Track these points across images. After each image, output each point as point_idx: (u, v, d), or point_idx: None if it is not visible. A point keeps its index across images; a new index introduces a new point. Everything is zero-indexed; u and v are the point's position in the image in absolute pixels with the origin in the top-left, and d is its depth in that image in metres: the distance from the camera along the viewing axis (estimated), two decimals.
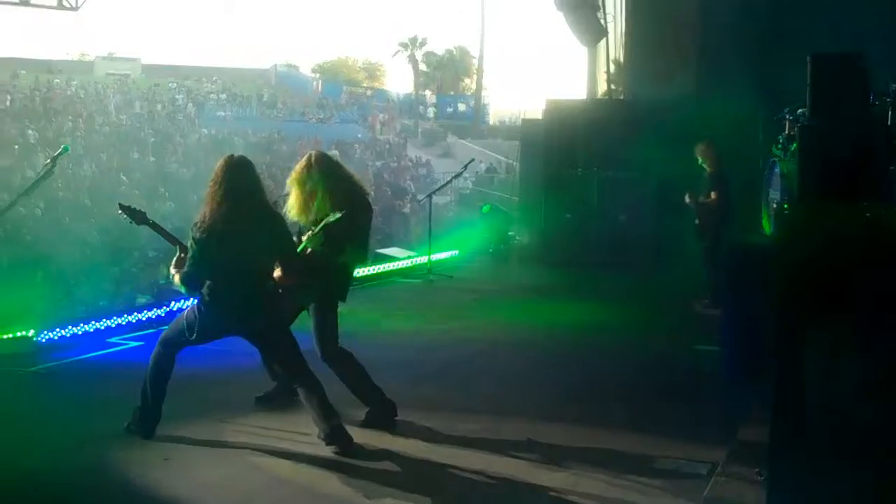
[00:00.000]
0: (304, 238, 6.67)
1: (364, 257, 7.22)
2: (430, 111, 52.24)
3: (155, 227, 6.40)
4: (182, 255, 6.03)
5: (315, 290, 6.65)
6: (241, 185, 6.00)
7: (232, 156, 6.28)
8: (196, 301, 6.08)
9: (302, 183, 6.69)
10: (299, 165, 6.82)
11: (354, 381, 6.76)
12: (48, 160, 7.88)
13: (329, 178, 6.69)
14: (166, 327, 6.50)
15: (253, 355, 6.97)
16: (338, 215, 6.37)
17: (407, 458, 5.98)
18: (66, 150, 8.45)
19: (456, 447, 6.19)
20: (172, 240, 6.28)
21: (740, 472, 5.24)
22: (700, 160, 11.43)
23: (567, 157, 15.75)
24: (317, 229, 6.52)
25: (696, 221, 11.45)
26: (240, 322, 6.11)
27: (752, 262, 7.09)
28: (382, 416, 6.70)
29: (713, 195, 11.14)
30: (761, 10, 14.47)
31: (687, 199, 11.38)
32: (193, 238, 5.86)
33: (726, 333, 7.84)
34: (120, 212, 6.39)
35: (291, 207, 6.70)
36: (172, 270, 6.11)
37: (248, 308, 6.04)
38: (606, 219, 15.22)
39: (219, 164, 6.14)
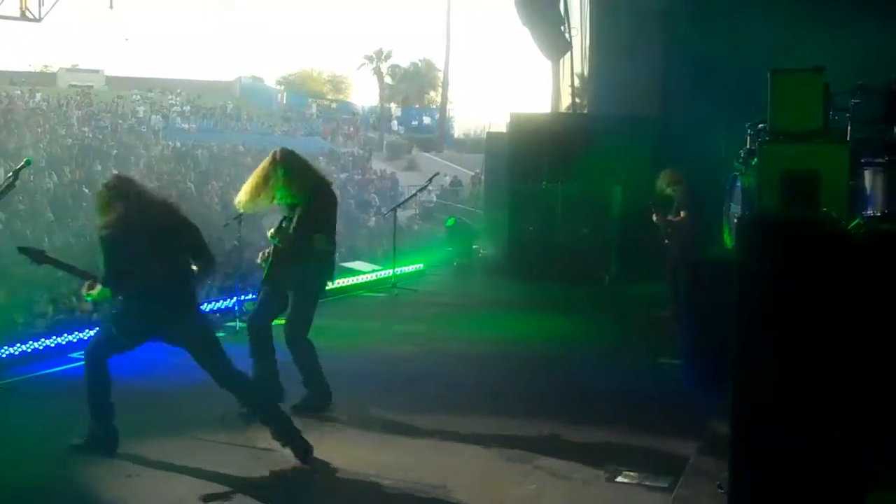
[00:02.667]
0: (269, 233, 7.18)
1: (332, 242, 7.44)
2: (395, 124, 52.30)
3: (56, 263, 6.45)
4: (90, 282, 6.18)
5: (298, 278, 7.11)
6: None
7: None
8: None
9: (264, 174, 7.17)
10: (265, 160, 7.34)
11: (308, 368, 7.24)
12: (10, 173, 7.83)
13: (290, 169, 7.15)
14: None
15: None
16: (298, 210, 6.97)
17: (379, 472, 5.96)
18: (28, 162, 8.41)
19: (421, 458, 6.22)
20: (77, 272, 6.40)
21: (701, 488, 5.28)
22: (663, 188, 11.40)
23: (531, 170, 15.83)
24: (279, 224, 7.05)
25: (665, 241, 11.41)
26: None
27: (713, 275, 7.17)
28: (317, 399, 7.23)
29: (682, 214, 11.17)
30: (722, 26, 14.62)
31: (654, 219, 11.37)
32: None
33: (687, 347, 7.92)
34: (20, 254, 6.43)
35: (242, 192, 7.19)
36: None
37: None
38: (570, 232, 15.27)
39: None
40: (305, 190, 7.21)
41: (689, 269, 8.67)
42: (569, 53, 22.38)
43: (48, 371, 8.72)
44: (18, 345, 8.94)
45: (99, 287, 6.11)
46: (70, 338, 9.58)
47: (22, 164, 8.06)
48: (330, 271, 7.50)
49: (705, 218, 11.02)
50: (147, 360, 8.91)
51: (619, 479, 5.81)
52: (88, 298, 6.39)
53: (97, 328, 6.58)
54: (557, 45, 22.04)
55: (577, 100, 21.51)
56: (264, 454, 6.22)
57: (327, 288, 7.59)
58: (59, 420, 6.89)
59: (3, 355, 8.68)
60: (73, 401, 7.44)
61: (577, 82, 22.58)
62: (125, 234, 5.96)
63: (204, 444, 6.46)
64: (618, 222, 15.05)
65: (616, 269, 14.97)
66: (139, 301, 6.05)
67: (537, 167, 15.79)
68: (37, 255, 6.39)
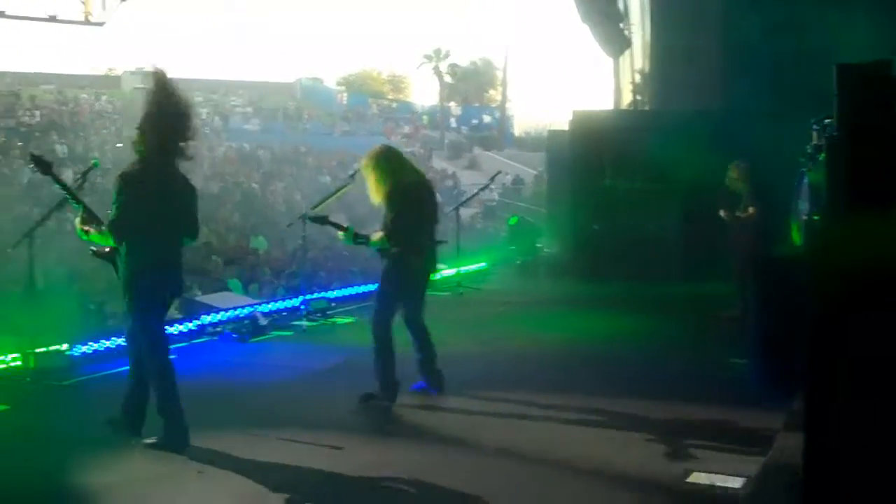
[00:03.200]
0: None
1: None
2: (453, 122, 52.21)
3: (60, 183, 6.55)
4: (84, 215, 6.30)
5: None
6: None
7: None
8: None
9: (366, 173, 7.69)
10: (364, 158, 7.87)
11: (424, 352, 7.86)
12: (78, 175, 8.01)
13: (381, 171, 7.56)
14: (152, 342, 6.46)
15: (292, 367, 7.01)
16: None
17: (449, 473, 5.99)
18: (96, 164, 8.62)
19: (497, 458, 6.23)
20: (76, 198, 6.48)
21: (776, 488, 5.20)
22: (734, 181, 11.28)
23: (594, 167, 15.74)
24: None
25: (732, 237, 11.29)
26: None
27: (782, 273, 7.07)
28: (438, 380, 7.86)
29: (750, 210, 11.04)
30: (785, 18, 14.42)
31: (722, 214, 11.26)
32: None
33: (756, 346, 7.81)
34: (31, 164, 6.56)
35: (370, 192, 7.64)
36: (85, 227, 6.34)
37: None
38: (634, 230, 15.16)
39: None
40: (391, 196, 7.48)
41: (757, 266, 8.55)
42: (629, 50, 22.24)
43: (118, 370, 8.84)
44: (91, 343, 9.12)
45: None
46: None
47: (89, 166, 8.26)
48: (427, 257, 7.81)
49: (772, 214, 10.86)
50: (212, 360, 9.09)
51: (692, 478, 5.74)
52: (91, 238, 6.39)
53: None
54: (617, 41, 21.91)
55: (639, 96, 21.35)
56: (336, 453, 6.26)
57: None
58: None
59: (76, 354, 8.85)
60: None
61: (637, 79, 22.42)
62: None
63: (271, 441, 6.52)
64: (682, 219, 14.88)
65: (681, 267, 14.79)
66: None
67: (600, 165, 15.70)
68: (43, 166, 6.53)
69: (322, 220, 8.34)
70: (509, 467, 6.06)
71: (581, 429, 6.96)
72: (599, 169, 15.68)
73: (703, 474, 5.76)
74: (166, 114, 6.21)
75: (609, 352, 9.89)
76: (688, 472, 5.79)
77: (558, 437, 6.71)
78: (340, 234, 7.79)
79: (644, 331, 11.03)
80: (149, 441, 6.27)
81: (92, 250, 6.49)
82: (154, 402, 6.33)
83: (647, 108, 19.96)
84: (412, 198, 7.56)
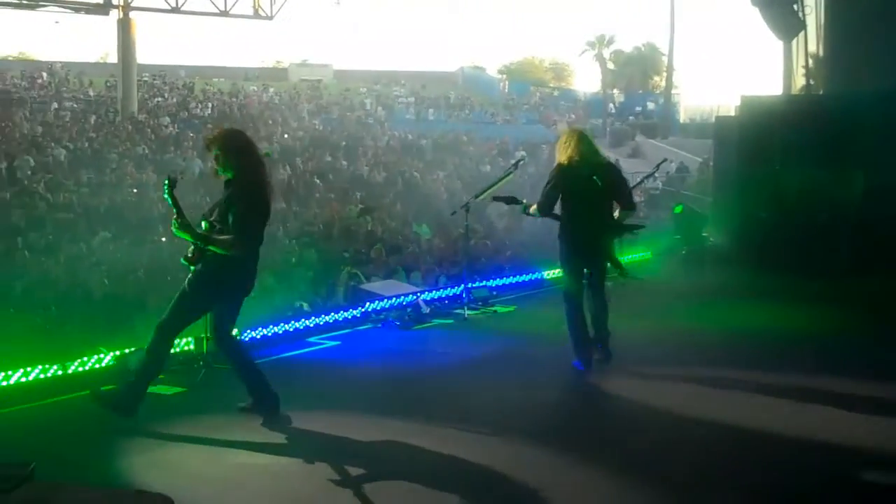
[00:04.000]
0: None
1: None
2: (611, 108, 51.46)
3: (174, 201, 6.50)
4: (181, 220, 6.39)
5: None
6: None
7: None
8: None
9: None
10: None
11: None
12: None
13: (559, 145, 8.45)
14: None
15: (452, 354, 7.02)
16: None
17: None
18: (268, 154, 8.77)
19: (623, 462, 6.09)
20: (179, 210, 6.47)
21: None
22: None
23: (763, 154, 15.17)
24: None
25: None
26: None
27: None
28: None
29: None
30: None
31: None
32: None
33: None
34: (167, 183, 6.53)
35: None
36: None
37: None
38: (805, 218, 14.52)
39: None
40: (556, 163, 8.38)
41: None
42: (802, 33, 21.41)
43: (286, 355, 9.08)
44: (260, 328, 9.35)
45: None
46: (307, 322, 9.95)
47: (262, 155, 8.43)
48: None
49: None
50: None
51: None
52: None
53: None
54: (790, 24, 21.08)
55: (812, 81, 20.54)
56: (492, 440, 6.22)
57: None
58: (299, 399, 7.07)
59: (246, 338, 9.08)
60: (311, 383, 7.81)
61: (810, 62, 21.58)
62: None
63: (427, 427, 6.54)
64: (858, 209, 14.16)
65: (854, 258, 14.05)
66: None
67: (770, 151, 15.12)
68: (171, 184, 6.52)
69: (507, 200, 9.27)
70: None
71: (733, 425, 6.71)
72: (769, 156, 15.11)
73: None
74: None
75: (786, 346, 9.46)
76: None
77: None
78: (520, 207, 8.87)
79: (821, 325, 10.48)
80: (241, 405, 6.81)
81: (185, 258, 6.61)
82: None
83: (819, 92, 19.18)
84: (569, 174, 8.15)
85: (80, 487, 5.07)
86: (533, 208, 8.42)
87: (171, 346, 6.82)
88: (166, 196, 6.51)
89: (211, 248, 6.45)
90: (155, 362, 6.61)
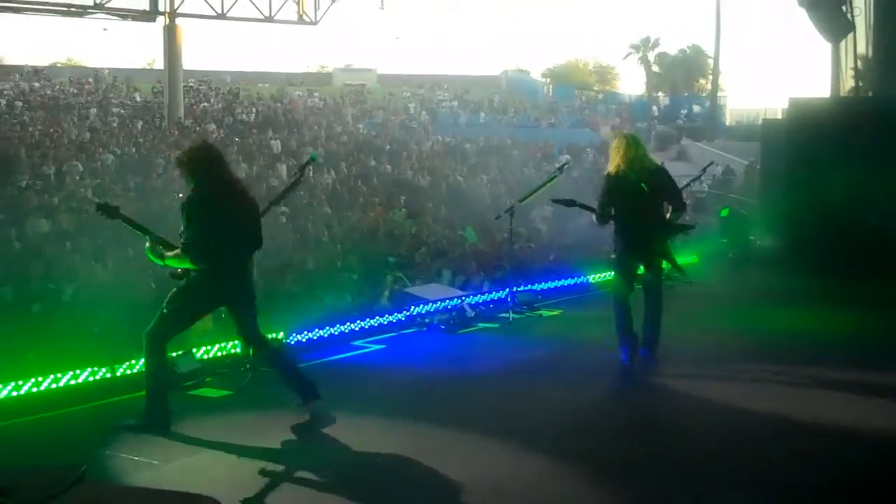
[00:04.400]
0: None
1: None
2: (655, 110, 51.06)
3: (127, 221, 6.73)
4: (155, 244, 6.55)
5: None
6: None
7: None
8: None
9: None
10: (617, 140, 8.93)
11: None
12: (296, 170, 8.24)
13: (612, 150, 8.79)
14: None
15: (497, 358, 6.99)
16: None
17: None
18: (313, 158, 8.84)
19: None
20: (143, 230, 6.66)
21: None
22: None
23: (812, 157, 15.02)
24: None
25: None
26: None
27: None
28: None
29: None
30: None
31: None
32: None
33: None
34: (97, 210, 6.78)
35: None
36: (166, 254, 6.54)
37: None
38: (854, 222, 14.33)
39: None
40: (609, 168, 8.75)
41: None
42: (851, 34, 21.17)
43: (331, 358, 9.10)
44: (305, 332, 9.39)
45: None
46: (352, 326, 9.98)
47: (307, 160, 8.48)
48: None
49: None
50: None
51: None
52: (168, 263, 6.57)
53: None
54: (839, 25, 20.88)
55: (860, 83, 20.30)
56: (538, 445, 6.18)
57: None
58: (344, 403, 7.08)
59: (292, 342, 9.12)
60: (357, 386, 7.80)
61: (860, 64, 21.34)
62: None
63: (472, 433, 6.50)
64: None
65: None
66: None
67: (818, 154, 14.97)
68: (110, 212, 6.71)
69: (566, 202, 9.44)
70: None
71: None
72: (818, 158, 14.93)
73: None
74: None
75: (841, 352, 9.27)
76: None
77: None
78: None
79: (876, 330, 10.32)
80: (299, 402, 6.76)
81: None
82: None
83: (869, 94, 18.95)
84: (618, 182, 8.51)
85: (130, 490, 5.10)
86: (595, 218, 8.77)
87: (165, 351, 6.74)
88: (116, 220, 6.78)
89: (168, 262, 6.56)
90: (157, 369, 6.60)
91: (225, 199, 6.51)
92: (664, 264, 9.00)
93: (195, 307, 6.74)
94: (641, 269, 8.83)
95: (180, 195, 7.80)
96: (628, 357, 8.58)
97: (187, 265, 6.44)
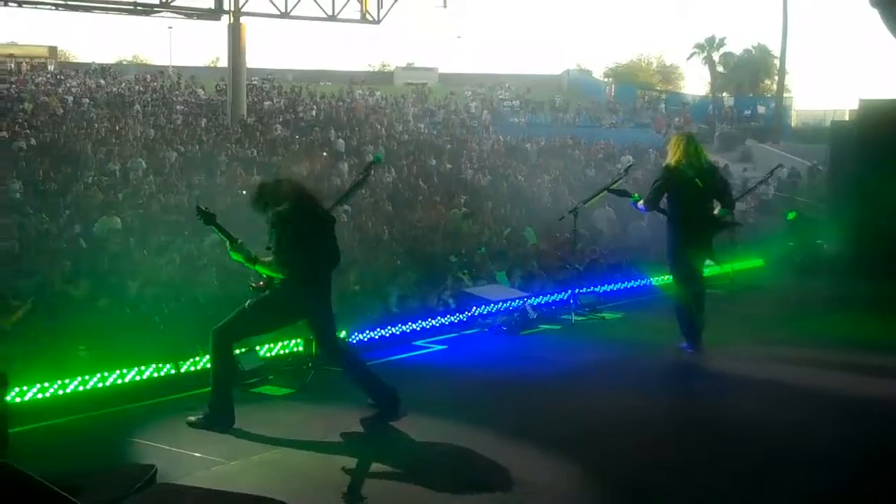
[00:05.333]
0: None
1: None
2: (722, 112, 50.45)
3: (219, 228, 6.73)
4: (243, 248, 6.65)
5: None
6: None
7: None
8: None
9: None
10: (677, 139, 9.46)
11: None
12: (363, 169, 8.25)
13: (670, 148, 9.44)
14: None
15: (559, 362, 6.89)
16: None
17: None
18: (378, 159, 8.82)
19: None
20: (231, 238, 6.69)
21: None
22: None
23: (883, 160, 14.66)
24: None
25: None
26: None
27: None
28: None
29: None
30: None
31: None
32: None
33: None
34: (197, 215, 6.75)
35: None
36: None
37: None
38: None
39: None
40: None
41: None
42: None
43: (394, 358, 9.06)
44: (368, 331, 9.37)
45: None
46: (414, 326, 9.95)
47: (372, 160, 8.47)
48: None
49: None
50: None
51: None
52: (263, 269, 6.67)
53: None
54: None
55: None
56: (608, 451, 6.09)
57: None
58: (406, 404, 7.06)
59: (354, 341, 9.10)
60: (420, 386, 7.75)
61: None
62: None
63: (538, 438, 6.43)
64: None
65: None
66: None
67: (890, 157, 14.62)
68: (207, 218, 6.68)
69: (619, 192, 10.10)
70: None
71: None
72: (889, 161, 14.58)
73: None
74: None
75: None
76: None
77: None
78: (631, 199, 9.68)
79: None
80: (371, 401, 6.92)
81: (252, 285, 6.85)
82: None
83: None
84: (675, 175, 9.10)
85: (201, 491, 5.10)
86: (641, 202, 9.45)
87: (232, 350, 6.86)
88: (212, 229, 6.77)
89: (258, 268, 6.67)
90: (223, 367, 6.66)
91: (309, 215, 6.70)
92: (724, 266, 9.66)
93: (274, 316, 6.86)
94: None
95: (243, 192, 7.87)
96: (692, 349, 9.19)
97: (276, 274, 6.59)
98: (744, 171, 30.47)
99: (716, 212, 9.31)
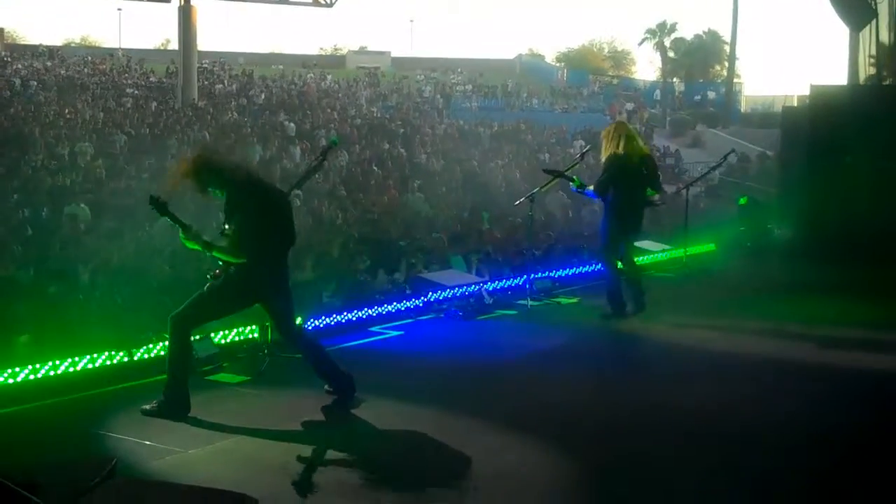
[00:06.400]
0: None
1: None
2: (657, 94, 50.77)
3: (172, 217, 6.56)
4: (198, 237, 6.51)
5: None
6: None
7: None
8: None
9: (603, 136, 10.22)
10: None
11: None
12: (320, 153, 8.16)
13: (608, 140, 9.96)
14: None
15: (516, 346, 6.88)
16: None
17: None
18: (334, 142, 8.75)
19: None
20: (185, 226, 6.51)
21: None
22: None
23: (834, 146, 14.80)
24: None
25: None
26: None
27: None
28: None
29: None
30: None
31: None
32: None
33: None
34: (150, 203, 6.56)
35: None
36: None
37: None
38: (877, 211, 14.15)
39: None
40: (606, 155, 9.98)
41: None
42: (873, 21, 20.92)
43: (348, 344, 9.00)
44: (323, 317, 9.30)
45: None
46: (370, 312, 9.89)
47: (328, 144, 8.40)
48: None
49: None
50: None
51: None
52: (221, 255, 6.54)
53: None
54: (861, 13, 20.64)
55: (885, 72, 20.07)
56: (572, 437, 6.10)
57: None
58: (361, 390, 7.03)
59: (309, 327, 9.03)
60: (376, 374, 7.71)
61: (881, 52, 21.09)
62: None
63: (494, 422, 6.44)
64: None
65: None
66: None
67: (840, 143, 14.76)
68: (160, 208, 6.52)
69: (555, 173, 11.02)
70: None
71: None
72: (839, 147, 14.74)
73: None
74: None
75: (861, 344, 9.18)
76: None
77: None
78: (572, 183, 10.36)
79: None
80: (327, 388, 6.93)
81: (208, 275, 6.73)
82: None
83: (886, 82, 18.75)
84: (622, 163, 9.71)
85: (161, 485, 5.03)
86: (592, 188, 10.03)
87: (190, 337, 6.69)
88: (164, 216, 6.58)
89: (215, 254, 6.52)
90: (180, 354, 6.53)
91: (259, 197, 6.51)
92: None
93: (233, 299, 6.71)
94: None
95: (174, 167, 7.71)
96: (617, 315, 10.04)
97: (233, 259, 6.44)
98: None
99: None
